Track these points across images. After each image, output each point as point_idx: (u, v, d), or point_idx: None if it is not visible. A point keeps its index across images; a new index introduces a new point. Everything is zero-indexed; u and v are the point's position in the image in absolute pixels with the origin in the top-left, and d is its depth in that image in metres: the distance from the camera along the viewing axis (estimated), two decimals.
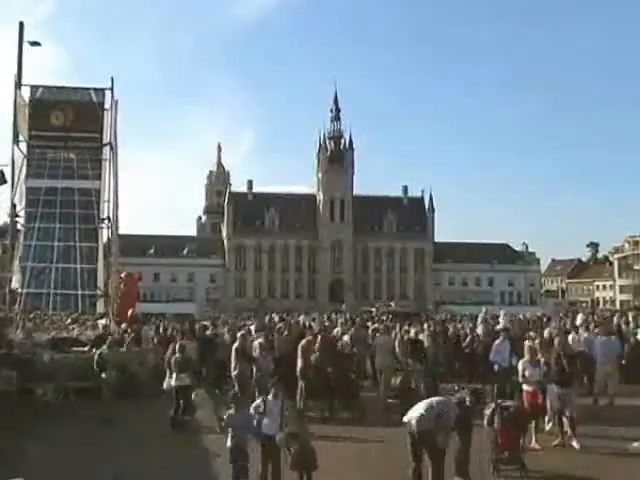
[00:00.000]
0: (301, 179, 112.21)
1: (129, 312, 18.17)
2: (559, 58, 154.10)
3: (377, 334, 15.54)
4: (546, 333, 13.69)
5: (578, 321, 16.81)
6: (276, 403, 7.53)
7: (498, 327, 16.32)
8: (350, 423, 10.77)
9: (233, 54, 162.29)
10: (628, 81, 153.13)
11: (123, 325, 16.46)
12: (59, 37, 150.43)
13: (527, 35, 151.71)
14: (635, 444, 9.20)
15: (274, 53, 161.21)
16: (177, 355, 11.41)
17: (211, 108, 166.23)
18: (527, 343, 10.71)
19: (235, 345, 12.57)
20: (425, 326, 16.08)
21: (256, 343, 12.52)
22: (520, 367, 9.86)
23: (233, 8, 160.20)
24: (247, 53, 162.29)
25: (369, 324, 20.38)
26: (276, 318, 24.35)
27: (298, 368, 12.34)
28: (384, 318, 26.14)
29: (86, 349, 14.45)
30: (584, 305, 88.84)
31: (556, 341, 11.02)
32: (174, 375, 11.09)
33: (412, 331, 15.36)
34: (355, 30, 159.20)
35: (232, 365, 12.32)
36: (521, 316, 22.16)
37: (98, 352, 12.94)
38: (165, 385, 11.62)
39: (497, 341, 13.07)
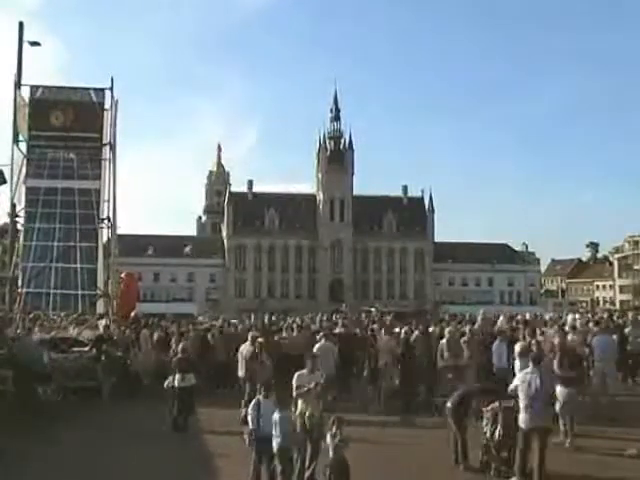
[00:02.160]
0: (304, 176, 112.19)
1: (132, 313, 18.17)
2: (557, 58, 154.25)
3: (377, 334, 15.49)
4: (551, 333, 13.67)
5: (569, 323, 16.77)
6: (268, 405, 7.54)
7: (495, 328, 16.32)
8: (358, 424, 10.71)
9: (235, 50, 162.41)
10: (628, 81, 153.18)
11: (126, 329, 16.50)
12: (54, 29, 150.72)
13: (527, 33, 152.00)
14: (628, 452, 9.21)
15: (276, 49, 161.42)
16: (180, 356, 11.42)
17: (213, 105, 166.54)
18: (519, 343, 10.70)
19: (242, 346, 12.62)
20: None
21: (256, 343, 12.51)
22: (517, 367, 9.77)
23: (235, 3, 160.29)
24: (249, 50, 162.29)
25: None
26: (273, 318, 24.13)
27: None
28: (387, 318, 26.01)
29: (86, 349, 14.46)
30: (584, 305, 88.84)
31: (556, 341, 11.05)
32: (177, 375, 11.05)
33: (402, 331, 15.30)
34: (356, 29, 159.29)
35: (239, 366, 12.35)
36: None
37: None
38: (166, 385, 11.63)
39: (495, 343, 13.11)
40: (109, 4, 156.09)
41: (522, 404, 7.78)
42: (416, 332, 14.68)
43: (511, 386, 8.13)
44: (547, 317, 24.68)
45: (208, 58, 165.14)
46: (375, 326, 19.55)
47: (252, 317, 25.10)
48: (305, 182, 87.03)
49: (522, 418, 7.75)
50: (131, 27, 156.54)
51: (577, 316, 19.10)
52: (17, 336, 13.90)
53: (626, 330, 16.75)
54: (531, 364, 8.07)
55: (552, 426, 8.24)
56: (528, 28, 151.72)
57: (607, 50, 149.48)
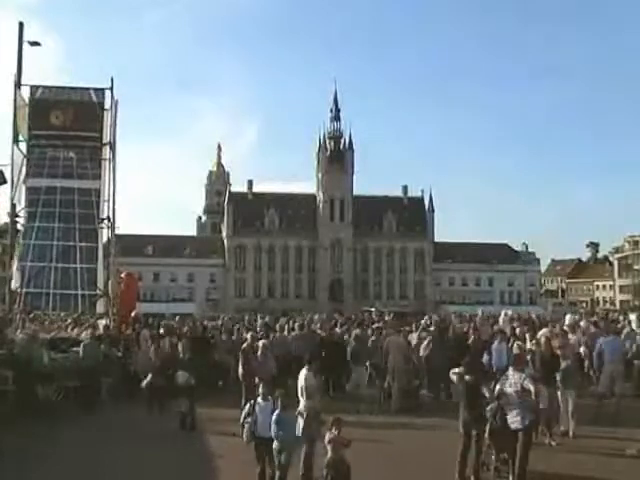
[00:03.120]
0: (305, 175, 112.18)
1: (132, 313, 18.16)
2: (560, 55, 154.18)
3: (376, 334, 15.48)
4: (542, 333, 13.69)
5: (566, 322, 16.80)
6: (267, 405, 7.53)
7: (496, 327, 16.34)
8: (358, 425, 10.70)
9: (235, 48, 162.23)
10: (629, 79, 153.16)
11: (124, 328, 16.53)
12: (53, 26, 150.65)
13: (528, 31, 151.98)
14: (629, 451, 9.21)
15: (277, 48, 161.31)
16: (183, 355, 11.45)
17: (213, 104, 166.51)
18: (517, 343, 10.71)
19: (243, 346, 12.64)
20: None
21: (259, 343, 12.55)
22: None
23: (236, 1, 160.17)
24: (249, 48, 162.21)
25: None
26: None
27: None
28: (387, 318, 26.05)
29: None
30: (584, 305, 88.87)
31: (542, 340, 11.10)
32: (179, 373, 11.10)
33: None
34: (356, 29, 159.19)
35: (240, 365, 12.36)
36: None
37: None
38: (144, 384, 11.67)
39: (495, 343, 13.11)
40: (107, 0, 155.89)
41: (505, 406, 7.77)
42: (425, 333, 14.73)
43: (496, 390, 8.07)
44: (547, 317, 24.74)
45: (208, 56, 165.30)
46: (377, 325, 19.54)
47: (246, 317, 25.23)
48: (306, 181, 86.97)
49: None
50: (130, 23, 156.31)
51: (577, 317, 19.11)
52: (17, 336, 13.90)
53: (624, 331, 16.71)
54: (511, 367, 8.11)
55: (532, 428, 8.14)
56: (532, 23, 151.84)
57: (610, 47, 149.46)
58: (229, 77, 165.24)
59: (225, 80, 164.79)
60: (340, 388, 14.53)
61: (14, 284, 17.31)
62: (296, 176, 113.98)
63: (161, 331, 16.19)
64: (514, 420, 7.73)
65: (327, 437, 6.80)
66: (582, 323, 17.60)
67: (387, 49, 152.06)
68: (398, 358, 13.14)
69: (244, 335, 15.11)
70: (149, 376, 11.55)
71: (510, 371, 8.04)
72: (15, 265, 17.49)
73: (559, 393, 10.62)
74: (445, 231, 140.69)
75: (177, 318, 19.96)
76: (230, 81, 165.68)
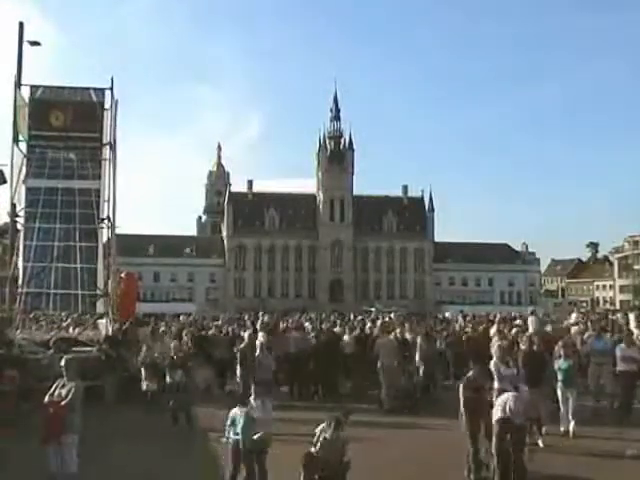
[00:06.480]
0: (307, 172, 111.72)
1: (131, 313, 18.18)
2: (560, 56, 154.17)
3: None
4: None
5: (572, 320, 16.80)
6: (259, 404, 7.48)
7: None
8: (350, 424, 10.69)
9: (236, 43, 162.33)
10: (630, 81, 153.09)
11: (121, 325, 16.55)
12: (53, 17, 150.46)
13: (530, 29, 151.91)
14: (629, 452, 9.21)
15: (278, 46, 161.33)
16: (179, 353, 11.49)
17: (214, 103, 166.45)
18: (496, 343, 10.63)
19: (241, 345, 12.66)
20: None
21: (258, 343, 12.55)
22: (492, 367, 9.48)
23: None
24: (251, 44, 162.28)
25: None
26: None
27: None
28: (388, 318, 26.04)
29: (86, 349, 14.49)
30: (584, 305, 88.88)
31: (523, 340, 11.07)
32: (179, 372, 11.14)
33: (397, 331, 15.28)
34: (356, 28, 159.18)
35: (238, 365, 12.38)
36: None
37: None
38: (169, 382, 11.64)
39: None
40: None
41: None
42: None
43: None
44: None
45: (209, 52, 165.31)
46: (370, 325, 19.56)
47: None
48: (307, 178, 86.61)
49: None
50: (126, 8, 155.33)
51: (574, 315, 19.12)
52: (17, 336, 13.90)
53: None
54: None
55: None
56: (527, 22, 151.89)
57: (612, 47, 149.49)
58: (229, 73, 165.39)
59: (225, 77, 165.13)
60: (334, 392, 14.29)
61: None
62: (299, 173, 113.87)
63: (162, 329, 16.24)
64: None
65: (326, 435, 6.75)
66: (573, 318, 17.57)
67: (387, 49, 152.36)
68: (388, 359, 13.12)
69: (242, 334, 15.15)
70: (168, 376, 11.43)
71: None
72: (16, 265, 17.51)
73: (559, 393, 10.62)
74: (445, 231, 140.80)
75: (181, 317, 20.03)
76: (230, 79, 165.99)
